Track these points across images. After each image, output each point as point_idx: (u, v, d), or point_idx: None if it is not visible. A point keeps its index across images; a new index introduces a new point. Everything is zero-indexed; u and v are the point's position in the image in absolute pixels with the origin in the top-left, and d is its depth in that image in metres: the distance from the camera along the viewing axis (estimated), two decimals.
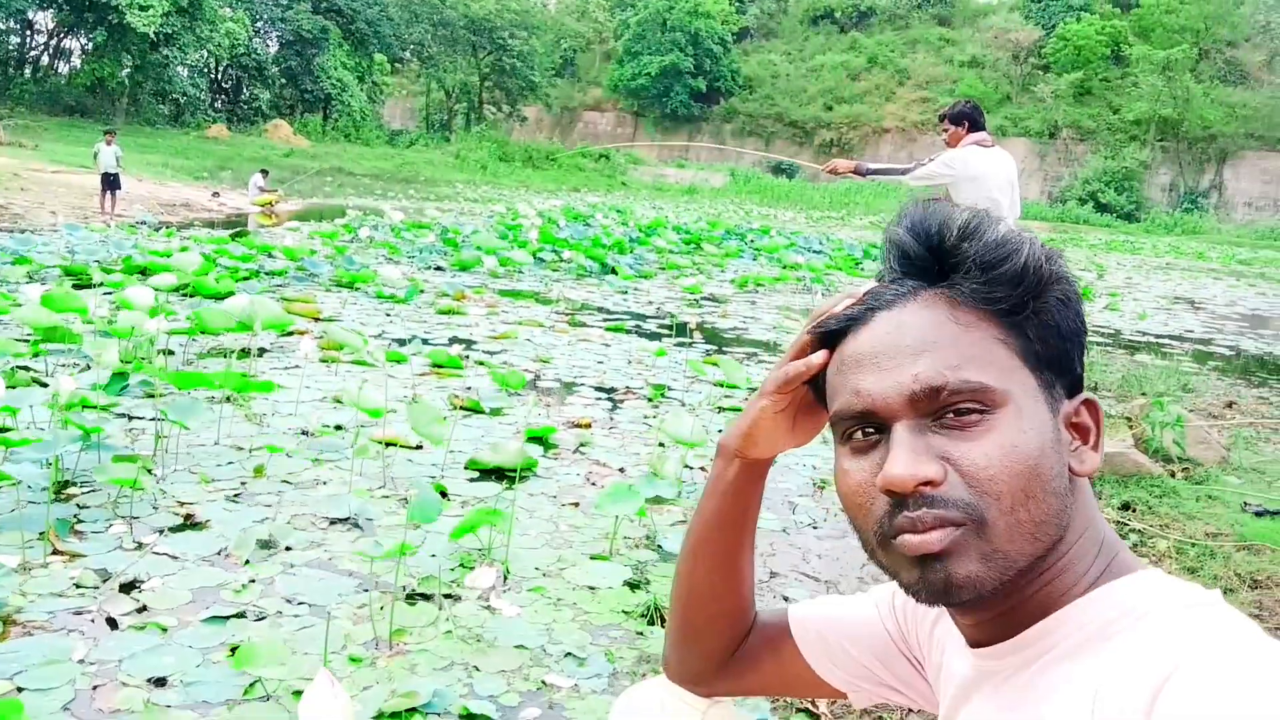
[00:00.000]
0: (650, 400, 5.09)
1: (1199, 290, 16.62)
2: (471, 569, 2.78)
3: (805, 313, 9.12)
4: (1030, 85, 50.93)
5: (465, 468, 3.71)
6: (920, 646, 0.93)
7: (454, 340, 6.40)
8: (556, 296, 8.98)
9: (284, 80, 44.95)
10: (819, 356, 0.80)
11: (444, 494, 3.38)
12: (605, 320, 7.75)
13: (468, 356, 5.77)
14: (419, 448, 3.92)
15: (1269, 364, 8.73)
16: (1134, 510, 3.73)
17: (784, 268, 12.90)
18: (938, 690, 0.88)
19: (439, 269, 10.36)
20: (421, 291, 8.21)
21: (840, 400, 0.74)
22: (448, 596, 2.63)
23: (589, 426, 4.49)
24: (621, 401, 5.06)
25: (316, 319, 6.83)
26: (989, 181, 5.02)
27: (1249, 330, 11.46)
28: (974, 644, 0.77)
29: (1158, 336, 9.87)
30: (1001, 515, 0.67)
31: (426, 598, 2.62)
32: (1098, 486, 3.97)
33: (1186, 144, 46.04)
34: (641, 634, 2.52)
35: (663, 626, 2.53)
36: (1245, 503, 3.87)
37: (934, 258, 0.73)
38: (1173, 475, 4.17)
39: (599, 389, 5.31)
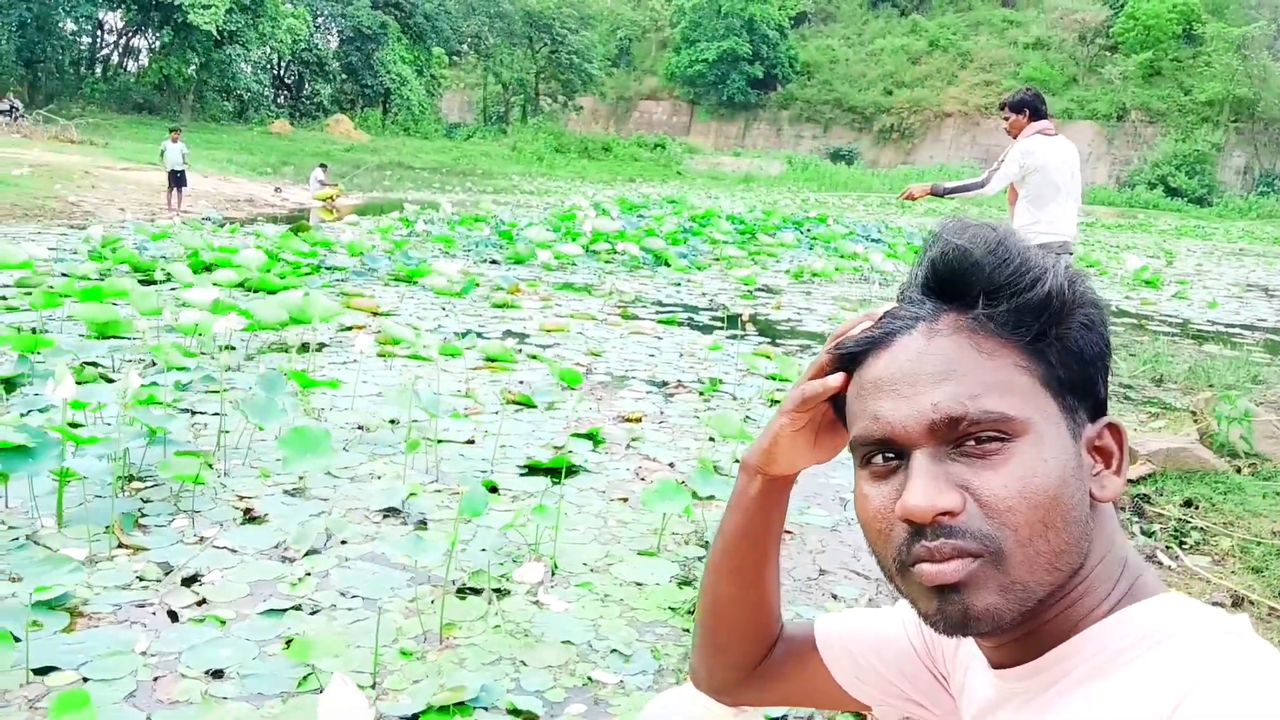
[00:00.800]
0: (702, 394, 5.08)
1: (1274, 277, 16.06)
2: (520, 564, 2.82)
3: (863, 304, 9.01)
4: (1097, 67, 49.55)
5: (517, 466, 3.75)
6: (946, 663, 0.93)
7: (507, 334, 6.46)
8: (609, 289, 9.01)
9: (344, 75, 45.66)
10: (836, 379, 0.81)
11: (494, 489, 3.43)
12: (658, 312, 7.75)
13: (520, 350, 5.82)
14: (470, 442, 3.97)
15: None
16: (1197, 507, 3.63)
17: (841, 257, 12.77)
18: (961, 708, 0.88)
19: (494, 262, 10.47)
20: (477, 285, 8.29)
21: (859, 425, 0.74)
22: (496, 591, 2.67)
23: (639, 421, 4.50)
24: (673, 395, 5.07)
25: (375, 314, 6.95)
26: (1053, 170, 5.16)
27: None
28: (996, 665, 0.77)
29: (1228, 325, 9.57)
30: (1019, 547, 0.66)
31: (476, 592, 2.66)
32: (1159, 483, 3.88)
33: (1263, 125, 44.43)
34: (688, 630, 2.53)
35: None
36: None
37: (958, 281, 0.71)
38: (1239, 471, 4.05)
39: (650, 382, 5.32)
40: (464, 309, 7.43)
